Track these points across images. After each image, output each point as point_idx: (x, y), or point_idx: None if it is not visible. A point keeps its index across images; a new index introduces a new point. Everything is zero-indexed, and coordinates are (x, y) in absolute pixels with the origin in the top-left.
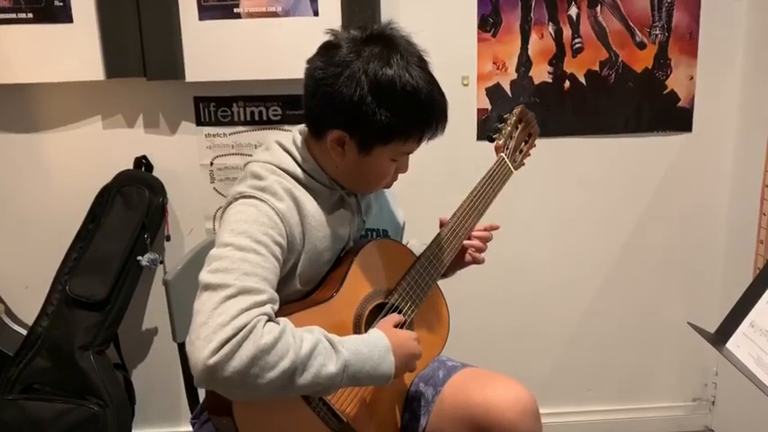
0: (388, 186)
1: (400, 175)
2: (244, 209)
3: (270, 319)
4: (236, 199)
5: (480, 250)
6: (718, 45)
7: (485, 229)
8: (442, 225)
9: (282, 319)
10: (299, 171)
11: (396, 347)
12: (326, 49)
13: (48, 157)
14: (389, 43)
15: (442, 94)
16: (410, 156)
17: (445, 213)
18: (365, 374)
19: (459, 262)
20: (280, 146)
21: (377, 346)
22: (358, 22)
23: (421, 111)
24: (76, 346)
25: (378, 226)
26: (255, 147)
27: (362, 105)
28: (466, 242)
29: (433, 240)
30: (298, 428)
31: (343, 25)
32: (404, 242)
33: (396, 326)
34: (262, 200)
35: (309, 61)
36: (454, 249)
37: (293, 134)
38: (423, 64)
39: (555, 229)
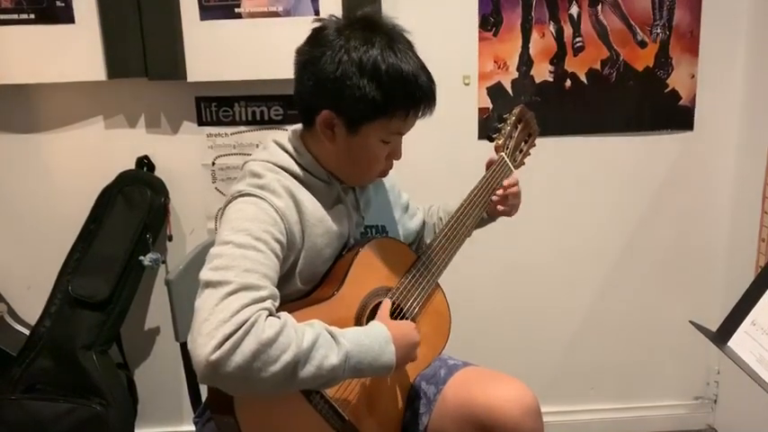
0: (384, 174)
1: (402, 174)
2: (243, 207)
3: (271, 314)
4: (236, 197)
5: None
6: (720, 43)
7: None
8: (489, 165)
9: (283, 314)
10: (296, 168)
11: (397, 338)
12: (312, 36)
13: (50, 157)
14: (373, 25)
15: (428, 74)
16: (414, 156)
17: None
18: (367, 365)
19: (492, 214)
20: (277, 144)
21: (378, 336)
22: None
23: (404, 86)
24: (79, 346)
25: (376, 222)
26: (257, 146)
27: (346, 80)
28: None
29: (434, 239)
30: (300, 427)
31: None
32: (416, 209)
33: (391, 316)
34: (261, 197)
35: (297, 50)
36: (455, 248)
37: (289, 133)
38: (407, 44)
39: (556, 228)
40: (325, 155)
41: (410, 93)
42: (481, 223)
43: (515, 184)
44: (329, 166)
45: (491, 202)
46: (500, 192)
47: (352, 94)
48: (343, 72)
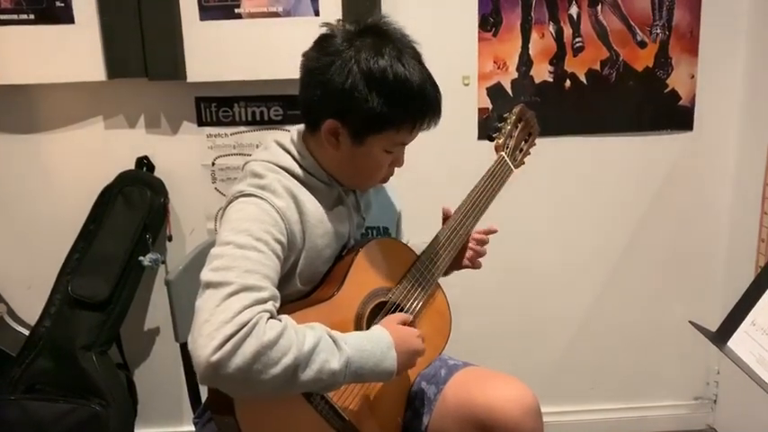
0: (385, 181)
1: (401, 175)
2: (244, 207)
3: (272, 316)
4: (237, 198)
5: (479, 255)
6: (719, 43)
7: (482, 233)
8: (445, 216)
9: (284, 316)
10: (297, 169)
11: (398, 344)
12: (321, 41)
13: (49, 157)
14: (383, 35)
15: (435, 86)
16: (413, 156)
17: None
18: (368, 371)
19: (457, 264)
20: (278, 145)
21: (379, 342)
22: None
23: (412, 99)
24: (78, 347)
25: (378, 224)
26: (257, 147)
27: (354, 92)
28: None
29: (434, 239)
30: (300, 427)
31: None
32: (401, 234)
33: (401, 325)
34: (262, 198)
35: (305, 54)
36: (455, 248)
37: (291, 133)
38: (415, 56)
39: (556, 228)
40: (327, 159)
41: (417, 107)
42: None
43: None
44: (331, 169)
45: (461, 255)
46: (477, 237)
47: (360, 108)
48: (351, 84)
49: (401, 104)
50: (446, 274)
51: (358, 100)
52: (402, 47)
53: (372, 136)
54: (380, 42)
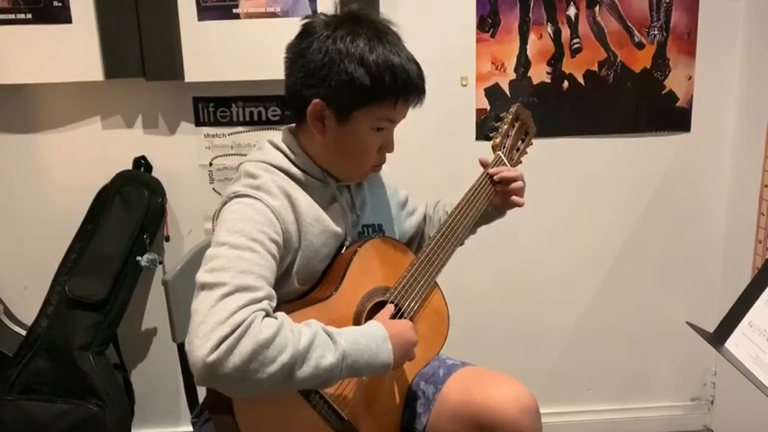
0: (377, 169)
1: (398, 175)
2: (239, 208)
3: (267, 315)
4: (231, 198)
5: (508, 194)
6: (717, 45)
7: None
8: (483, 165)
9: (280, 314)
10: (292, 167)
11: (393, 336)
12: (300, 32)
13: (47, 157)
14: (360, 18)
15: (416, 63)
16: (412, 156)
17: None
18: (364, 364)
19: (503, 206)
20: (272, 144)
21: (374, 335)
22: None
23: (392, 73)
24: (76, 347)
25: (372, 221)
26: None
27: (334, 66)
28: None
29: (431, 238)
30: (299, 427)
31: None
32: (429, 203)
33: (390, 317)
34: (257, 198)
35: (287, 47)
36: (453, 246)
37: (283, 132)
38: (394, 36)
39: (554, 229)
40: (317, 150)
41: (397, 79)
42: (488, 218)
43: (518, 179)
44: (323, 162)
45: (499, 194)
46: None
47: (341, 80)
48: (330, 59)
49: (380, 76)
50: (489, 221)
51: (338, 73)
52: (379, 27)
53: (356, 111)
54: (357, 24)
